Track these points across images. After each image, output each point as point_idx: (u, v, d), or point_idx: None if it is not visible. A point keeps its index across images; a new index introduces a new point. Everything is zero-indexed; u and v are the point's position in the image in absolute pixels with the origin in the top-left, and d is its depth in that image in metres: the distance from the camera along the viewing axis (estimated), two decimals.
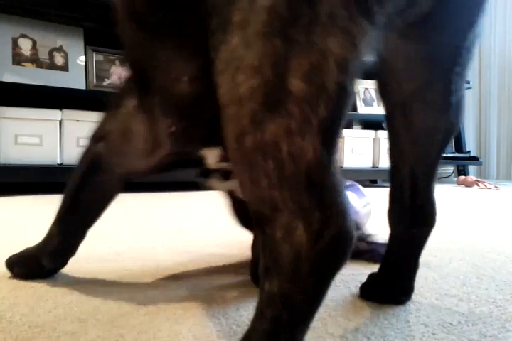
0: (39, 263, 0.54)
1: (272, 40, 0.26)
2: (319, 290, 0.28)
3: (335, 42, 0.26)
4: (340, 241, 0.27)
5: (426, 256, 0.70)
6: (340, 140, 2.14)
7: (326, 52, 0.26)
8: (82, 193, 0.55)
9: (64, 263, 0.55)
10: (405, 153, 0.45)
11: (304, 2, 0.26)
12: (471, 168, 3.04)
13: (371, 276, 0.50)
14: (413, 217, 0.46)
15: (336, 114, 0.27)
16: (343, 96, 0.27)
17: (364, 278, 0.51)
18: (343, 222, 0.27)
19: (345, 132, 2.10)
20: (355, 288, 0.52)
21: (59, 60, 1.78)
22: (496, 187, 2.32)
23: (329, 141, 0.27)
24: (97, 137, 0.57)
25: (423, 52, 0.39)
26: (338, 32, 0.26)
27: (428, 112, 0.42)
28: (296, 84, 0.26)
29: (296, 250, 0.27)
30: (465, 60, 0.40)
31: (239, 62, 0.27)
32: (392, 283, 0.47)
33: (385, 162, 2.32)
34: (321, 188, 0.27)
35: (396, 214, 0.47)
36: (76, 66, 1.82)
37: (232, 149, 0.28)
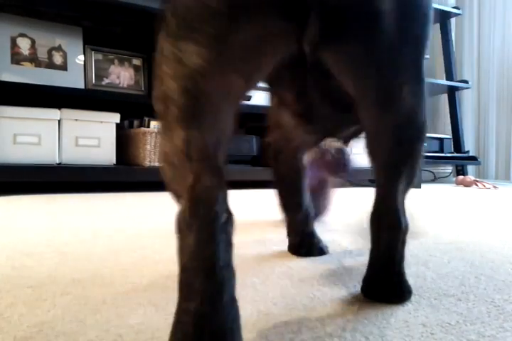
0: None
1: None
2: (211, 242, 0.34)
3: (167, 67, 0.35)
4: (207, 195, 0.34)
5: (424, 256, 0.70)
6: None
7: (164, 74, 0.35)
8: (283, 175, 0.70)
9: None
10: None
11: None
12: (470, 168, 3.04)
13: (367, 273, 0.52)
14: (378, 219, 0.49)
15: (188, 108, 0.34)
16: (189, 95, 0.34)
17: (360, 280, 0.51)
18: (211, 184, 0.34)
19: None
20: (353, 287, 0.52)
21: (58, 59, 1.78)
22: (494, 187, 2.33)
23: (194, 127, 0.34)
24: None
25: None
26: (168, 60, 0.36)
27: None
28: (158, 106, 0.36)
29: (181, 223, 0.35)
30: None
31: None
32: (377, 284, 0.49)
33: None
34: (196, 161, 0.34)
35: (370, 215, 0.50)
36: (75, 65, 1.82)
37: None
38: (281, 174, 0.70)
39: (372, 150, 0.47)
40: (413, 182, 0.50)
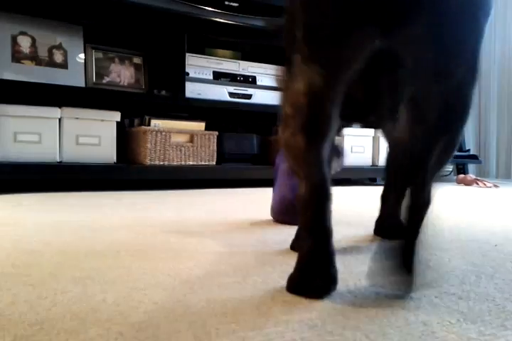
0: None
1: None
2: (318, 215, 0.48)
3: (300, 84, 0.44)
4: (316, 188, 0.48)
5: (425, 254, 0.70)
6: (340, 138, 2.14)
7: (297, 90, 0.45)
8: None
9: None
10: None
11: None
12: (471, 167, 3.04)
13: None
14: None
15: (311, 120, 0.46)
16: (313, 110, 0.45)
17: (360, 278, 0.51)
18: (320, 179, 0.47)
19: (345, 130, 2.10)
20: (353, 285, 0.52)
21: (58, 57, 1.78)
22: (495, 185, 2.32)
23: (312, 137, 0.46)
24: None
25: None
26: (301, 78, 0.44)
27: None
28: (288, 110, 0.47)
29: (301, 198, 0.49)
30: None
31: None
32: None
33: (384, 160, 2.31)
34: (310, 163, 0.47)
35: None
36: (75, 64, 1.82)
37: None
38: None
39: (415, 122, 0.49)
40: (449, 156, 0.53)
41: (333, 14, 0.41)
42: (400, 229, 0.80)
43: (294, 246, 0.71)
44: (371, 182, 2.73)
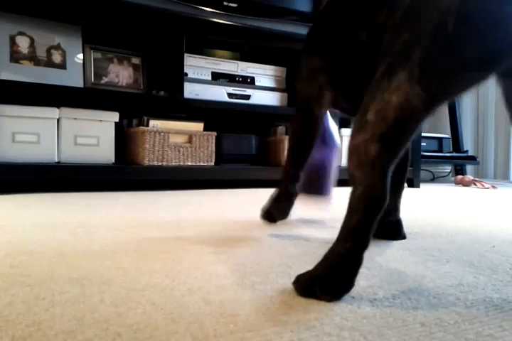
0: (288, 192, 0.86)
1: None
2: (363, 226, 0.48)
3: (395, 97, 0.46)
4: (376, 198, 0.48)
5: (423, 255, 0.70)
6: (339, 139, 2.14)
7: (390, 102, 0.47)
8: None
9: None
10: None
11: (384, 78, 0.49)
12: (469, 168, 3.04)
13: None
14: None
15: (393, 133, 0.47)
16: (399, 125, 0.47)
17: (358, 279, 0.51)
18: (382, 190, 0.48)
19: (344, 131, 2.10)
20: None
21: (57, 57, 1.78)
22: (493, 186, 2.33)
23: (387, 147, 0.47)
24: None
25: None
26: (399, 93, 0.46)
27: None
28: (370, 116, 0.48)
29: (353, 202, 0.49)
30: None
31: None
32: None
33: None
34: (377, 172, 0.48)
35: None
36: (74, 64, 1.82)
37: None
38: None
39: None
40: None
41: (458, 55, 0.43)
42: (398, 227, 0.82)
43: (265, 215, 0.84)
44: None
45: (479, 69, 0.45)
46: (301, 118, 0.81)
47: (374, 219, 0.48)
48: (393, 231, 0.82)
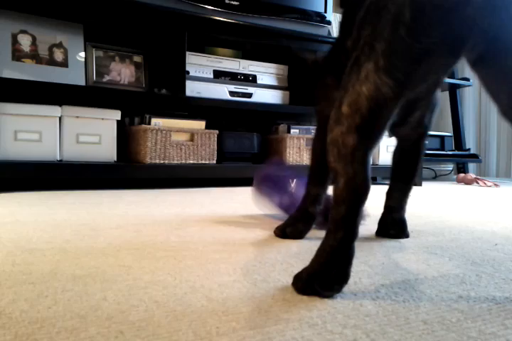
0: (307, 212, 0.80)
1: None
2: (350, 215, 0.49)
3: (366, 88, 0.48)
4: (358, 187, 0.49)
5: (425, 253, 0.70)
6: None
7: (361, 93, 0.48)
8: None
9: None
10: None
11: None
12: (471, 166, 3.04)
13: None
14: None
15: (367, 123, 0.49)
16: (373, 114, 0.48)
17: (361, 277, 0.51)
18: (363, 179, 0.49)
19: None
20: (353, 284, 0.52)
21: (59, 56, 1.78)
22: (495, 184, 2.32)
23: (364, 137, 0.49)
24: None
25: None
26: (369, 84, 0.47)
27: None
28: (345, 109, 0.50)
29: (337, 193, 0.50)
30: None
31: None
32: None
33: (384, 159, 2.32)
34: (356, 162, 0.49)
35: None
36: (76, 62, 1.82)
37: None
38: None
39: None
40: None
41: (418, 43, 0.45)
42: (402, 226, 0.82)
43: (280, 232, 0.80)
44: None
45: (441, 54, 0.46)
46: (321, 136, 0.78)
47: (359, 208, 0.49)
48: (396, 229, 0.82)
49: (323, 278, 0.48)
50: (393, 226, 0.82)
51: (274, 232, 0.81)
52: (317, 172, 0.79)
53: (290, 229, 0.79)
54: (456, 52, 0.46)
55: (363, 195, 0.49)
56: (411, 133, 0.78)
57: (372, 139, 0.50)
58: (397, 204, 0.81)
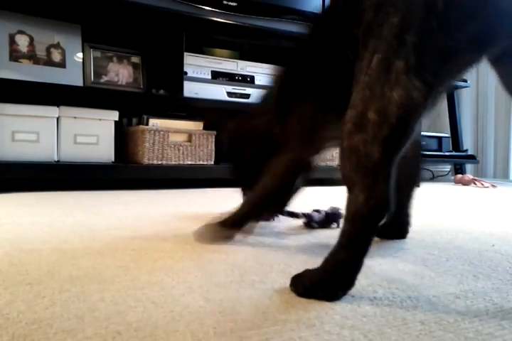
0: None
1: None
2: (367, 232, 0.47)
3: (396, 94, 0.44)
4: (380, 205, 0.46)
5: (423, 254, 0.70)
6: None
7: (391, 99, 0.44)
8: None
9: None
10: None
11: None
12: (468, 167, 3.04)
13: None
14: None
15: (396, 133, 0.45)
16: (402, 124, 0.44)
17: (358, 278, 0.51)
18: (386, 196, 0.46)
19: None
20: None
21: (56, 56, 1.78)
22: (492, 185, 2.33)
23: (390, 150, 0.45)
24: None
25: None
26: (400, 88, 0.44)
27: None
28: (371, 115, 0.45)
29: (356, 208, 0.46)
30: None
31: None
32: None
33: None
34: (379, 177, 0.46)
35: None
36: (73, 63, 1.82)
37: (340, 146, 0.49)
38: None
39: None
40: None
41: (450, 37, 0.42)
42: (402, 227, 0.81)
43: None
44: None
45: (472, 51, 0.43)
46: (284, 154, 0.76)
47: (377, 226, 0.47)
48: (394, 231, 0.82)
49: (329, 287, 0.47)
50: (392, 227, 0.82)
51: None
52: (271, 195, 0.74)
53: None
54: (485, 49, 0.44)
55: (383, 213, 0.46)
56: None
57: (398, 152, 0.46)
58: (400, 205, 0.79)
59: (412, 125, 0.45)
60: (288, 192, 0.78)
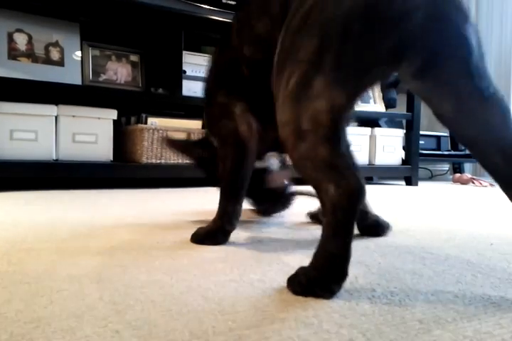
0: (224, 229, 0.75)
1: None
2: (348, 219, 0.48)
3: (321, 104, 0.49)
4: (350, 191, 0.48)
5: (421, 253, 0.70)
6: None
7: (317, 108, 0.49)
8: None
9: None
10: None
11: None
12: (467, 166, 3.05)
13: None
14: None
15: (332, 131, 0.50)
16: (334, 123, 0.49)
17: (357, 277, 0.51)
18: (353, 181, 0.48)
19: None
20: (349, 283, 0.52)
21: (55, 54, 1.77)
22: (491, 184, 2.33)
23: (333, 143, 0.49)
24: None
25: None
26: (323, 99, 0.49)
27: None
28: (305, 125, 0.50)
29: (331, 200, 0.48)
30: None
31: None
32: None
33: (381, 159, 2.32)
34: (339, 168, 0.49)
35: None
36: (72, 61, 1.81)
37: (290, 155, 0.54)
38: None
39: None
40: None
41: (367, 52, 0.48)
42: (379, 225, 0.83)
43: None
44: (367, 181, 2.74)
45: (386, 65, 0.49)
46: (235, 152, 0.79)
47: (357, 212, 0.49)
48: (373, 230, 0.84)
49: (324, 282, 0.48)
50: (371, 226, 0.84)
51: (191, 238, 0.75)
52: (234, 189, 0.77)
53: (209, 242, 0.73)
54: (398, 63, 0.50)
55: (359, 197, 0.48)
56: None
57: (340, 140, 0.50)
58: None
59: (344, 120, 0.51)
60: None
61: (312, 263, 0.50)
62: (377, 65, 0.49)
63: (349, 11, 0.47)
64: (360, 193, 0.48)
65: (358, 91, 0.50)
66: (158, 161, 1.76)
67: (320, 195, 0.50)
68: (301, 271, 0.51)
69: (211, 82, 0.81)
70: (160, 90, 1.90)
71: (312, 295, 0.48)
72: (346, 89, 0.49)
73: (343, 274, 0.49)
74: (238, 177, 0.77)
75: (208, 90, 0.82)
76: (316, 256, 0.50)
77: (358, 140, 2.25)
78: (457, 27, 0.49)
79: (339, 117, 0.50)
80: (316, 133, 0.50)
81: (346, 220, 0.48)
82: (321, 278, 0.48)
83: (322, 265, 0.49)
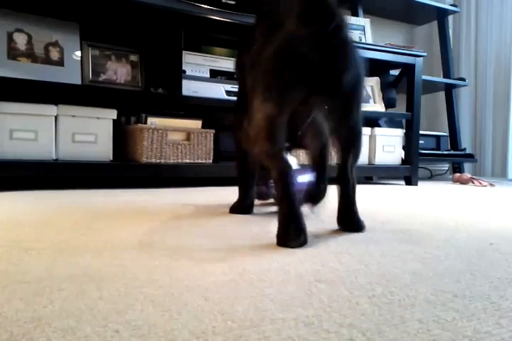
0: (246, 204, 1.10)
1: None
2: (285, 188, 0.75)
3: (259, 115, 0.77)
4: (281, 169, 0.76)
5: (420, 252, 0.70)
6: None
7: (257, 118, 0.78)
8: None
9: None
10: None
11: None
12: (467, 166, 3.05)
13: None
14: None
15: (268, 132, 0.77)
16: (269, 127, 0.76)
17: (357, 276, 0.51)
18: (284, 165, 0.76)
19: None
20: (349, 283, 0.52)
21: (54, 54, 1.77)
22: (490, 184, 2.33)
23: (271, 140, 0.76)
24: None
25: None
26: (262, 112, 0.76)
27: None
28: (252, 131, 0.79)
29: (274, 178, 0.76)
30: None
31: None
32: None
33: (380, 159, 2.32)
34: (277, 157, 0.76)
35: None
36: (72, 61, 1.81)
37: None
38: None
39: (334, 139, 0.91)
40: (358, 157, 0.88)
41: (289, 77, 0.73)
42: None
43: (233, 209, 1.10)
44: (367, 180, 2.74)
45: (297, 90, 0.74)
46: (242, 153, 1.09)
47: (292, 182, 0.74)
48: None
49: (287, 234, 0.72)
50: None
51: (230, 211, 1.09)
52: (243, 179, 1.11)
53: (238, 212, 1.08)
54: (302, 90, 0.75)
55: (288, 172, 0.74)
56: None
57: (278, 140, 0.76)
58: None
59: (278, 125, 0.75)
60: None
61: (278, 224, 0.73)
62: (290, 89, 0.74)
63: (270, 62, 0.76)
64: (288, 170, 0.74)
65: (285, 104, 0.74)
66: (158, 161, 1.76)
67: (271, 173, 0.75)
68: (278, 230, 0.73)
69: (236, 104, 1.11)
70: (160, 90, 1.90)
71: (284, 245, 0.70)
72: (274, 104, 0.74)
73: (300, 226, 0.72)
74: (243, 171, 1.11)
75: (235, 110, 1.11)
76: (278, 219, 0.73)
77: None
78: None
79: (273, 122, 0.75)
80: (258, 134, 0.76)
81: (284, 189, 0.74)
82: (284, 232, 0.72)
83: (281, 222, 0.73)
